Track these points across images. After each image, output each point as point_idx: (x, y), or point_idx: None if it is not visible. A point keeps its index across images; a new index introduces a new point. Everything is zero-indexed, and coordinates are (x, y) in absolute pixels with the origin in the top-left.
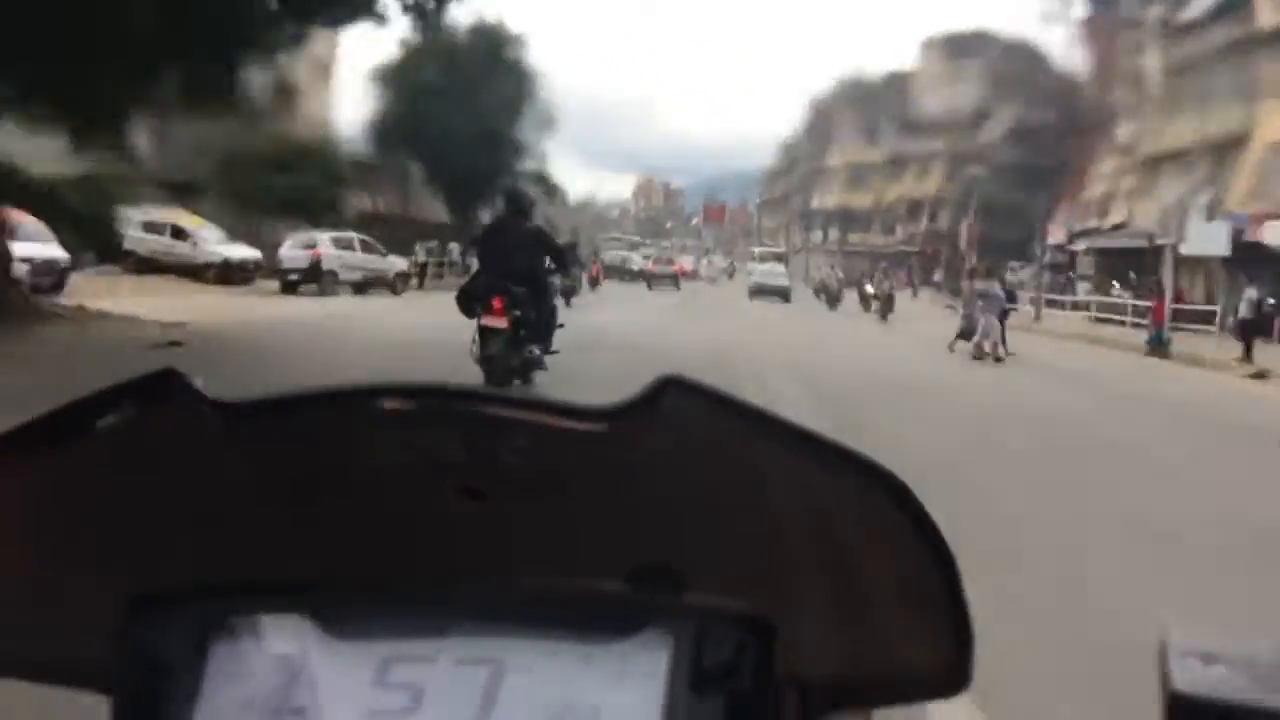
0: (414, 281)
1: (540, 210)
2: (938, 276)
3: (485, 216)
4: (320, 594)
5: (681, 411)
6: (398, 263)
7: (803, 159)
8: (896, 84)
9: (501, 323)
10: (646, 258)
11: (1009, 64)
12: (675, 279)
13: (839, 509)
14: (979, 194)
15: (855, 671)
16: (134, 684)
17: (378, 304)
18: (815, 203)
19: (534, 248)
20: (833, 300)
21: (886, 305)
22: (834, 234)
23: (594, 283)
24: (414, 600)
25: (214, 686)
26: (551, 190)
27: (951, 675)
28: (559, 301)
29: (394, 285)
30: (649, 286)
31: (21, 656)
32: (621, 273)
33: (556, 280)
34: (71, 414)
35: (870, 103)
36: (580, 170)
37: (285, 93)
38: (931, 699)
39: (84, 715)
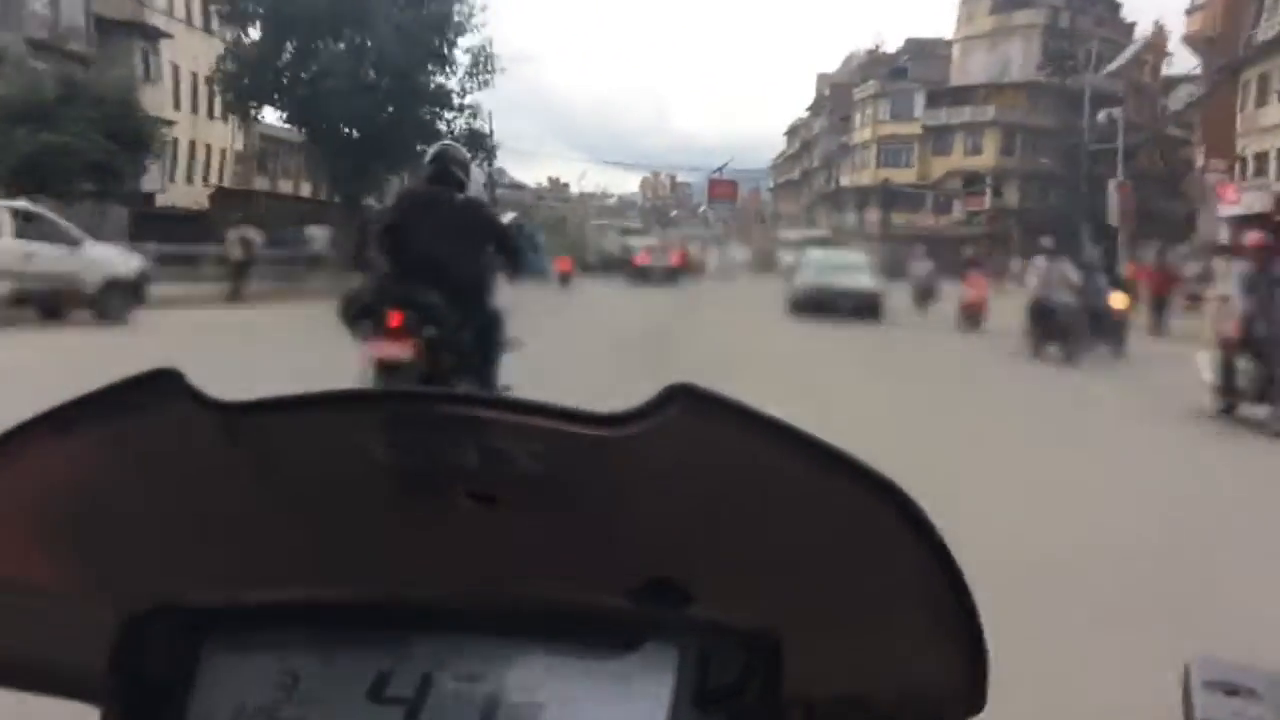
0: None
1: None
2: (1016, 263)
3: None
4: (317, 605)
5: (690, 419)
6: (113, 260)
7: (821, 136)
8: (925, 49)
9: (403, 351)
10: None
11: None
12: (673, 274)
13: (848, 524)
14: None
15: (863, 690)
16: (126, 694)
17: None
18: (846, 180)
19: (469, 232)
20: (923, 298)
21: (974, 315)
22: (868, 214)
23: (564, 279)
24: (415, 612)
25: (207, 698)
26: (490, 152)
27: (965, 695)
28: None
29: (102, 302)
30: (641, 281)
31: (13, 665)
32: (622, 265)
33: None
34: (65, 415)
35: (896, 71)
36: (593, 168)
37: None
38: (945, 719)
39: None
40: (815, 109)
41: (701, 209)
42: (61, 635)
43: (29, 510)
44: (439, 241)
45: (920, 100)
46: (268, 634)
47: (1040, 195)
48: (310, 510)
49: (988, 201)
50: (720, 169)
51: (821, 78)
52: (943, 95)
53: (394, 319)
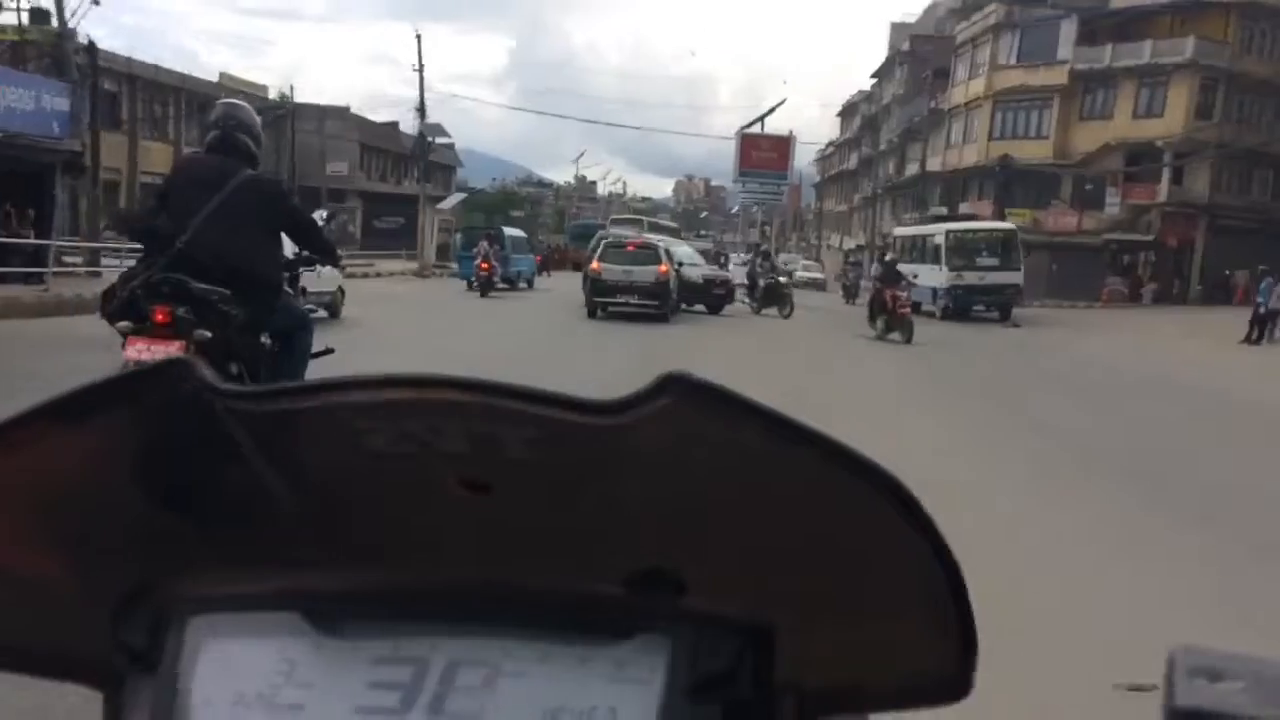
0: None
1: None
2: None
3: None
4: (316, 591)
5: (684, 407)
6: None
7: (894, 106)
8: None
9: (167, 354)
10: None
11: None
12: (660, 299)
13: (841, 512)
14: None
15: (854, 678)
16: (125, 680)
17: None
18: (935, 162)
19: (257, 215)
20: None
21: None
22: (970, 208)
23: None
24: (410, 599)
25: (206, 684)
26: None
27: (953, 682)
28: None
29: None
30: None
31: (16, 650)
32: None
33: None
34: (71, 403)
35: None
36: (627, 172)
37: None
38: (932, 704)
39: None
40: (884, 72)
41: (734, 210)
42: (64, 621)
43: (32, 497)
44: (221, 224)
45: (1068, 33)
46: (266, 621)
47: (1242, 184)
48: (308, 497)
49: (1163, 191)
50: (763, 117)
51: (896, 28)
52: (1105, 25)
53: (160, 314)
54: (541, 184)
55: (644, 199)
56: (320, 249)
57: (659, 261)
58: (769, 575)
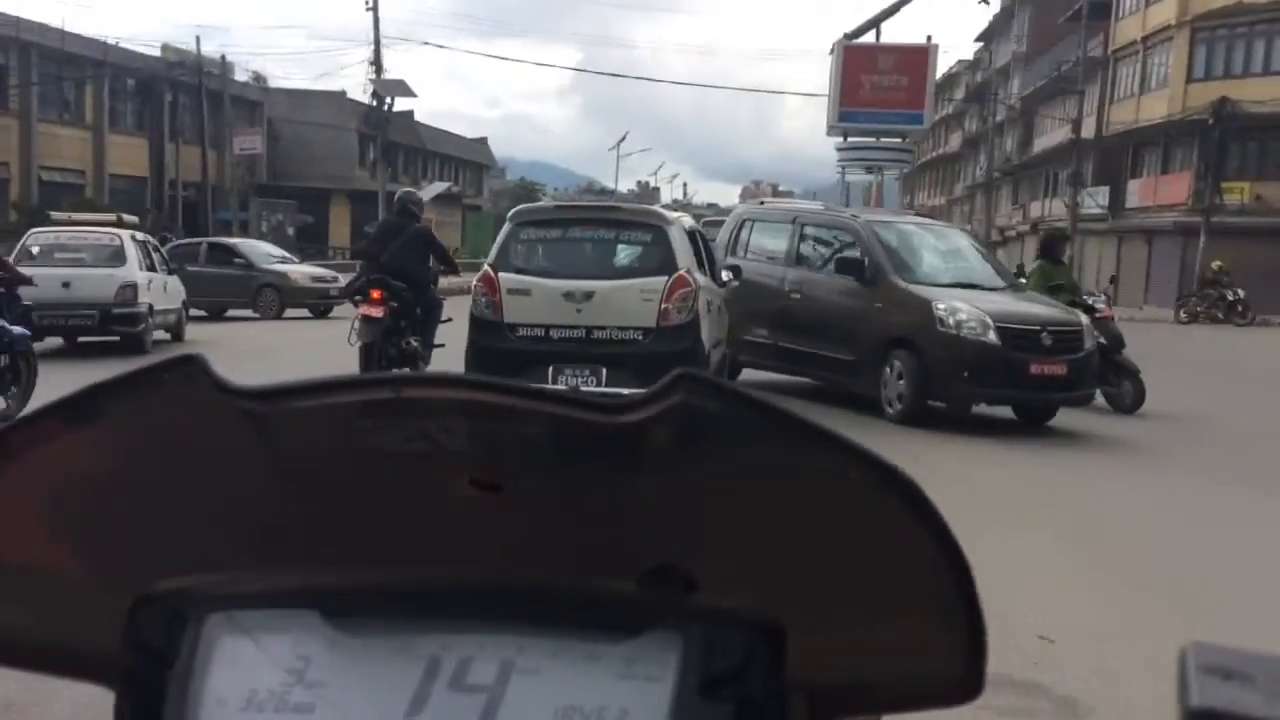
0: None
1: None
2: None
3: None
4: (329, 589)
5: (695, 406)
6: None
7: (1011, 68)
8: None
9: (377, 311)
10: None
11: None
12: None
13: (853, 510)
14: None
15: (865, 676)
16: (140, 677)
17: None
18: (1089, 126)
19: (418, 248)
20: None
21: None
22: (1148, 187)
23: None
24: (422, 596)
25: (220, 681)
26: None
27: (963, 682)
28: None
29: None
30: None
31: (31, 648)
32: None
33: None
34: (86, 400)
35: None
36: (695, 180)
37: None
38: (943, 704)
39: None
40: (995, 29)
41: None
42: (77, 618)
43: (47, 495)
44: (401, 252)
45: None
46: (279, 619)
47: None
48: (321, 495)
49: None
50: (879, 20)
51: None
52: None
53: (375, 293)
54: (604, 191)
55: (709, 205)
56: (448, 265)
57: (665, 266)
58: (780, 573)
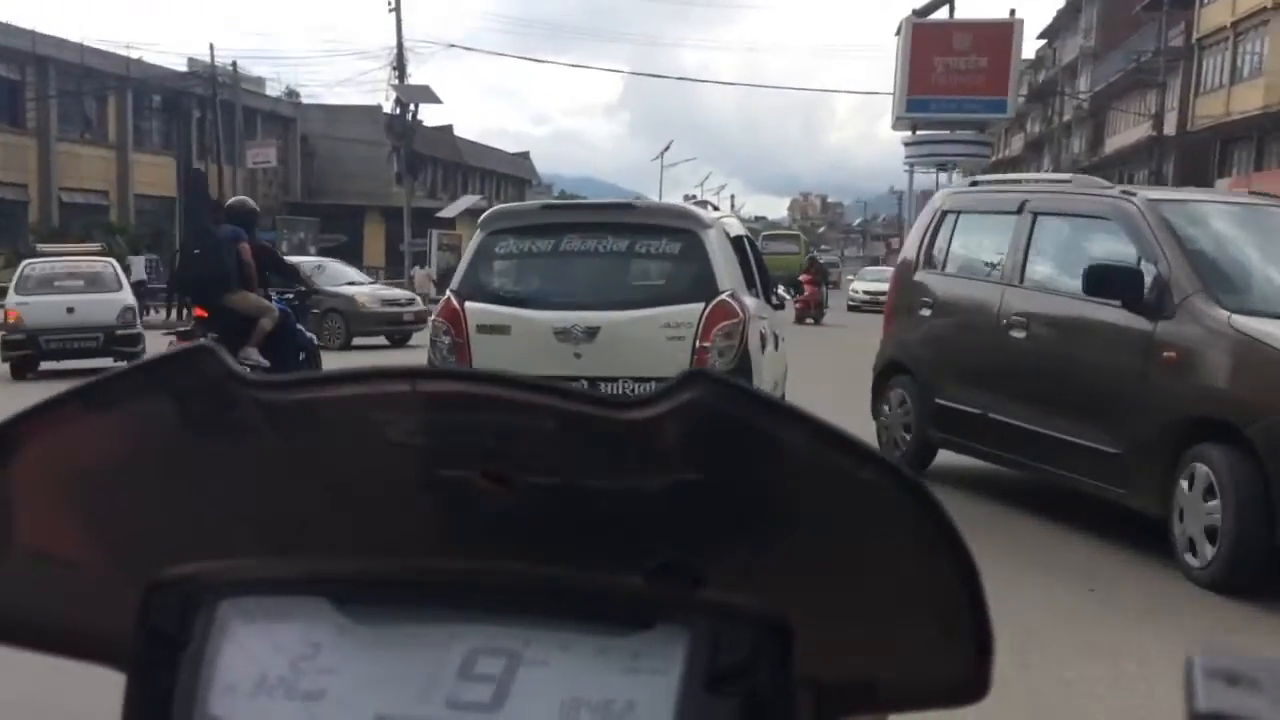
0: None
1: None
2: None
3: None
4: (340, 577)
5: (706, 403)
6: None
7: (1080, 63)
8: None
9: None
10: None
11: None
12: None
13: (860, 509)
14: None
15: (872, 675)
16: (151, 661)
17: None
18: (1173, 118)
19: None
20: None
21: None
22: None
23: None
24: (432, 587)
25: (231, 666)
26: None
27: (970, 681)
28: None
29: None
30: None
31: (42, 629)
32: None
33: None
34: (100, 389)
35: None
36: (743, 194)
37: None
38: (949, 705)
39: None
40: (1061, 24)
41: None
42: (91, 602)
43: (62, 480)
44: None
45: None
46: (290, 605)
47: None
48: (333, 484)
49: None
50: (940, 3)
51: None
52: None
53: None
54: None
55: (757, 218)
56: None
57: (701, 288)
58: (788, 570)
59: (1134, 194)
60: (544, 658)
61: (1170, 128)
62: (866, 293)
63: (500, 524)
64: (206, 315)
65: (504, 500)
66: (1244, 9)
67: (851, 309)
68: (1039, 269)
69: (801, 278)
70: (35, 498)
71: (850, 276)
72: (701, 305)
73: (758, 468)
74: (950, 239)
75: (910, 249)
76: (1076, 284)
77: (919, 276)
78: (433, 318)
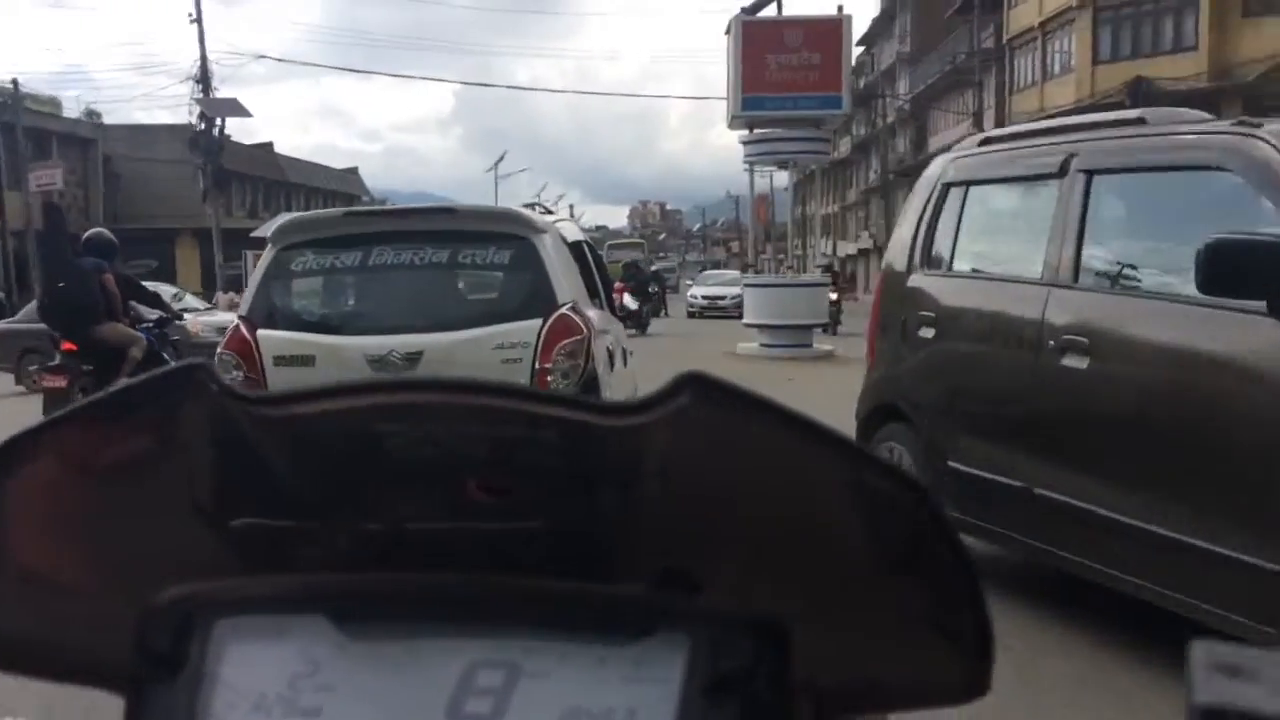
0: None
1: None
2: None
3: None
4: (337, 593)
5: (702, 408)
6: None
7: (898, 68)
8: None
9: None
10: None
11: None
12: None
13: (860, 514)
14: None
15: (871, 677)
16: (148, 682)
17: None
18: (987, 121)
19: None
20: None
21: None
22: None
23: None
24: (431, 600)
25: (228, 685)
26: None
27: (969, 682)
28: None
29: None
30: None
31: (39, 654)
32: None
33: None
34: (95, 409)
35: None
36: (582, 203)
37: None
38: (948, 704)
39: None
40: (878, 31)
41: (696, 227)
42: (86, 625)
43: (56, 501)
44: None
45: None
46: (287, 624)
47: None
48: (329, 499)
49: None
50: (766, 1)
51: None
52: None
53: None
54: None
55: (598, 227)
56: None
57: (537, 301)
58: (787, 574)
59: (1259, 126)
60: (544, 669)
61: (991, 124)
62: (705, 297)
63: (497, 535)
64: (76, 348)
65: (501, 510)
66: (1050, 9)
67: (691, 315)
68: (1102, 258)
69: (617, 286)
70: (28, 520)
71: (688, 281)
72: (539, 321)
73: (754, 471)
74: (958, 225)
75: (900, 246)
76: (1173, 279)
77: (915, 282)
78: (219, 350)
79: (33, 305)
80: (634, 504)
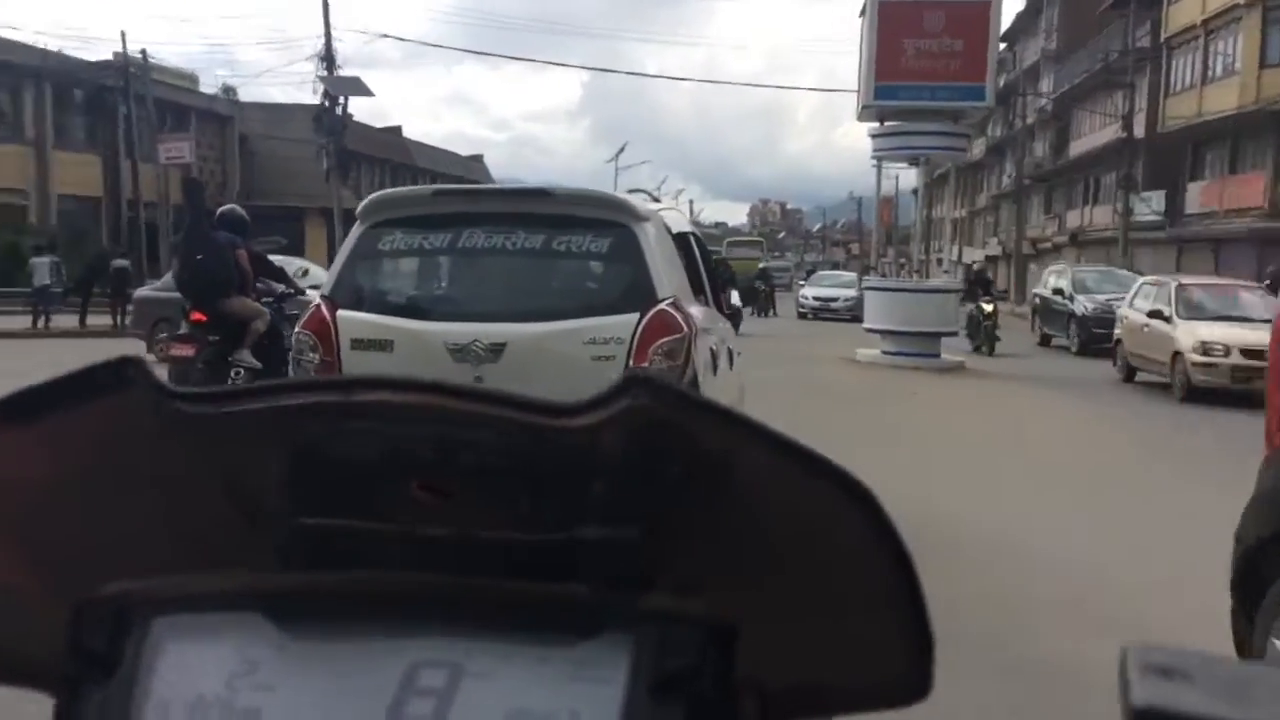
0: None
1: None
2: None
3: None
4: (277, 592)
5: (647, 410)
6: None
7: (1042, 65)
8: None
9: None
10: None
11: None
12: None
13: (803, 513)
14: None
15: (816, 677)
16: (82, 683)
17: None
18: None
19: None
20: None
21: None
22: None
23: None
24: (372, 600)
25: (165, 686)
26: None
27: (912, 683)
28: None
29: None
30: None
31: None
32: None
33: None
34: (21, 402)
35: None
36: (702, 199)
37: None
38: (892, 706)
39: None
40: (1021, 27)
41: (816, 227)
42: (17, 623)
43: None
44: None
45: None
46: (226, 622)
47: None
48: (266, 499)
49: None
50: None
51: None
52: None
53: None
54: None
55: (717, 223)
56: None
57: (635, 294)
58: (732, 574)
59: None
60: (487, 670)
61: (1140, 129)
62: (817, 299)
63: (441, 534)
64: (205, 319)
65: (444, 510)
66: (1214, 7)
67: (801, 317)
68: None
69: None
70: None
71: (801, 281)
72: (636, 316)
73: (701, 474)
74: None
75: None
76: None
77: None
78: (297, 329)
79: (169, 276)
80: (579, 504)
